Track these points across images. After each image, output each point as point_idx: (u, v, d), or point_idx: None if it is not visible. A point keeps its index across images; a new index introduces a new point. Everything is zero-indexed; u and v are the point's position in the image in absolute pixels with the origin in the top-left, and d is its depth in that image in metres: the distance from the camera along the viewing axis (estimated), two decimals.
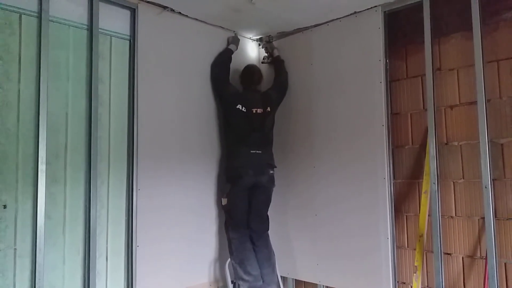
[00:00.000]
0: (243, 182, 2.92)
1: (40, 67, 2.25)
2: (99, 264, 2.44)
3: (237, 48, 3.22)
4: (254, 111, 2.95)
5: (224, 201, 2.96)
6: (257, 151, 2.96)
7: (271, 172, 3.05)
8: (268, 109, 3.03)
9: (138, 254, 2.56)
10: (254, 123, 2.96)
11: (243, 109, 2.94)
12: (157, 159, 2.72)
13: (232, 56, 3.18)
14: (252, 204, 3.01)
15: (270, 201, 3.10)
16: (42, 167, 2.20)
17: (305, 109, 3.17)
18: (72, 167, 2.38)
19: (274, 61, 3.35)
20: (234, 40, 3.22)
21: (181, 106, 2.92)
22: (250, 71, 3.17)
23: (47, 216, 2.22)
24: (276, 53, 3.36)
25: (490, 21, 2.45)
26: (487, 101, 2.36)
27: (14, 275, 2.13)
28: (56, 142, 2.32)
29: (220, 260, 3.09)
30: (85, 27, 2.48)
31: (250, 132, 2.95)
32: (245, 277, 2.83)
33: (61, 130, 2.35)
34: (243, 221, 2.97)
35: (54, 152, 2.31)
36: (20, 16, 2.23)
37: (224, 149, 3.15)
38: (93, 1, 2.48)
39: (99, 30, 2.51)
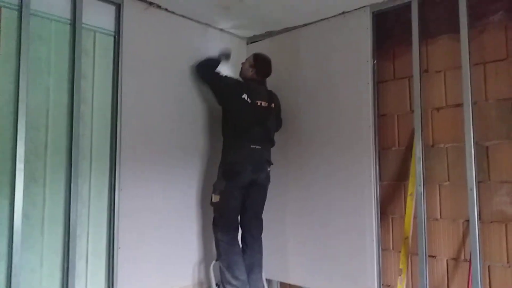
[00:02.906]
0: (241, 178, 2.77)
1: (19, 62, 2.18)
2: (79, 266, 2.38)
3: (227, 61, 3.12)
4: (258, 103, 2.83)
5: (216, 198, 2.78)
6: (257, 146, 2.82)
7: (268, 169, 2.94)
8: (273, 105, 2.93)
9: (119, 256, 2.50)
10: (257, 115, 2.83)
11: (248, 100, 2.79)
12: (140, 159, 2.66)
13: (218, 54, 3.12)
14: (248, 203, 2.88)
15: (265, 200, 3.00)
16: (20, 165, 2.13)
17: (292, 109, 3.14)
18: (52, 165, 2.31)
19: None
20: (226, 53, 3.13)
21: (167, 104, 2.87)
22: (268, 62, 3.00)
23: (24, 216, 2.15)
24: None
25: (477, 24, 2.46)
26: (474, 103, 2.36)
27: None
28: (35, 140, 2.25)
29: (204, 261, 3.04)
30: (68, 21, 2.42)
31: (253, 125, 2.82)
32: (233, 281, 2.73)
33: (41, 127, 2.29)
34: (234, 221, 2.86)
35: (33, 150, 2.24)
36: (0, 9, 2.15)
37: (213, 147, 3.09)
38: None
39: (83, 25, 2.45)
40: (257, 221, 2.96)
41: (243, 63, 3.04)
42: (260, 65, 2.97)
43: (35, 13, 2.27)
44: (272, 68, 3.01)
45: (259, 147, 2.84)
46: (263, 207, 2.99)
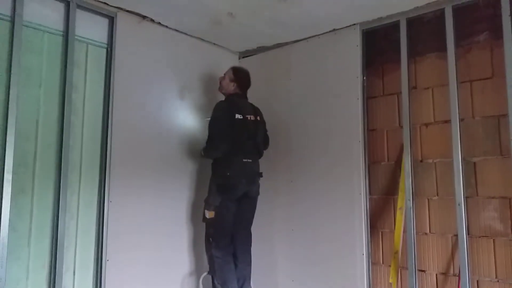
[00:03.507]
0: (236, 191, 2.77)
1: (10, 72, 2.17)
2: (66, 279, 2.34)
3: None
4: (248, 118, 2.85)
5: (210, 214, 2.74)
6: (248, 160, 2.84)
7: (259, 182, 2.95)
8: (258, 118, 2.94)
9: (107, 268, 2.47)
10: (248, 129, 2.83)
11: (240, 117, 2.79)
12: (130, 171, 2.65)
13: (210, 68, 3.14)
14: (239, 215, 2.85)
15: (255, 213, 2.99)
16: (8, 176, 2.11)
17: (282, 123, 3.17)
18: (40, 176, 2.29)
19: None
20: None
21: (158, 117, 2.87)
22: (247, 74, 2.98)
23: (11, 227, 2.12)
24: None
25: (463, 43, 2.52)
26: (461, 120, 2.41)
27: None
28: (24, 150, 2.23)
29: (195, 274, 3.01)
30: (61, 33, 2.43)
31: (245, 139, 2.82)
32: None
33: (31, 138, 2.27)
34: (229, 236, 2.83)
35: (22, 160, 2.21)
36: None
37: (203, 161, 3.08)
38: (70, 8, 2.44)
39: (75, 37, 2.46)
40: (247, 233, 2.96)
41: (221, 78, 2.98)
42: (241, 78, 2.95)
43: (28, 24, 2.28)
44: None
45: (250, 160, 2.86)
46: (252, 220, 2.99)
